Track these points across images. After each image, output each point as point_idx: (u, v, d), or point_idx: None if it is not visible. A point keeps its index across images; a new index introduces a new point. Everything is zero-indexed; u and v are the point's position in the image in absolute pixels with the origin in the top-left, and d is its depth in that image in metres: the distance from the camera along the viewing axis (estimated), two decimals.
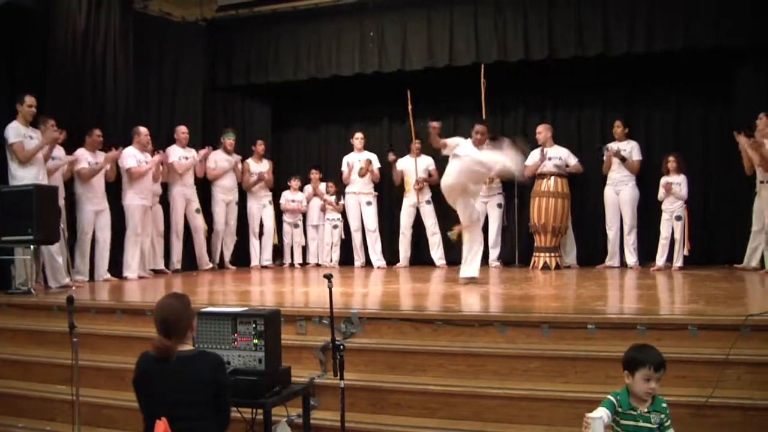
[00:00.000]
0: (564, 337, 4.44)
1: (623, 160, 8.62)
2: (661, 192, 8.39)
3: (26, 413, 5.04)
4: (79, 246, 7.76)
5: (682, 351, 4.12)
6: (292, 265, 10.05)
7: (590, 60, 8.69)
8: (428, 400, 4.29)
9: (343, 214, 9.92)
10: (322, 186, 10.09)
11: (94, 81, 8.24)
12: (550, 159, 8.76)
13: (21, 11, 7.56)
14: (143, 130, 8.43)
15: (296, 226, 10.11)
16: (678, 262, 8.21)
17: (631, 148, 8.71)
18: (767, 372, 3.95)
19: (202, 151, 9.30)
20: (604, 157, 8.79)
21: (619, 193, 8.68)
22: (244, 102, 10.57)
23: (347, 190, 9.79)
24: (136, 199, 8.22)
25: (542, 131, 8.96)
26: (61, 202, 7.24)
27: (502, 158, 6.75)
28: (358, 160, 9.74)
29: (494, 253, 9.15)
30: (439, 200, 9.38)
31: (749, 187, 7.85)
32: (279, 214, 10.09)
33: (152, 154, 8.52)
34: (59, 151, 7.45)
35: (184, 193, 9.17)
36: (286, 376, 3.97)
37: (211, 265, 9.46)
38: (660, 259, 8.32)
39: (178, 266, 9.17)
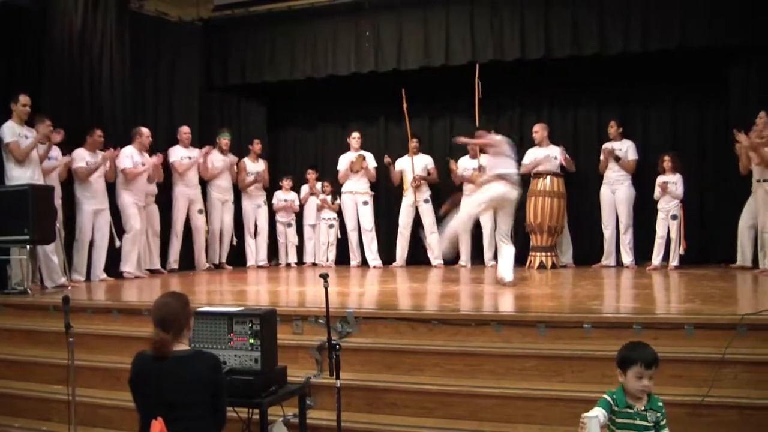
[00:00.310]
0: (560, 337, 4.45)
1: (617, 159, 8.64)
2: (657, 191, 8.40)
3: (22, 413, 5.04)
4: (77, 245, 7.75)
5: (679, 350, 4.13)
6: (288, 264, 10.05)
7: (586, 59, 8.70)
8: (424, 400, 4.29)
9: (340, 213, 9.91)
10: (319, 185, 10.09)
11: (91, 81, 8.22)
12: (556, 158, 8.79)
13: (17, 11, 7.55)
14: (145, 131, 8.42)
15: (289, 225, 10.12)
16: (674, 262, 8.23)
17: (626, 148, 8.72)
18: (763, 371, 3.95)
19: (203, 151, 9.30)
20: (601, 156, 8.81)
21: (615, 192, 8.70)
22: (240, 102, 10.56)
23: (343, 189, 9.78)
24: (130, 200, 8.21)
25: (539, 130, 8.98)
26: (58, 202, 7.23)
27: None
28: (353, 159, 9.71)
29: (489, 253, 9.15)
30: (437, 200, 9.43)
31: (745, 186, 7.87)
32: (272, 214, 10.10)
33: (150, 155, 8.51)
34: (56, 152, 7.44)
35: (187, 194, 9.17)
36: (282, 376, 3.96)
37: (208, 265, 9.46)
38: (656, 259, 8.34)
39: (175, 266, 9.17)
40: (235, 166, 9.77)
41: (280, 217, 10.10)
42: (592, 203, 8.97)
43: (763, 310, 4.28)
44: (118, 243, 8.05)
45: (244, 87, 10.31)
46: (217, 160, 9.51)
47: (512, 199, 6.73)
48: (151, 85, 9.46)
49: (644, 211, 8.67)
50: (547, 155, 8.82)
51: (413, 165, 9.42)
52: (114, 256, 8.13)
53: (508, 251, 6.82)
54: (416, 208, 9.51)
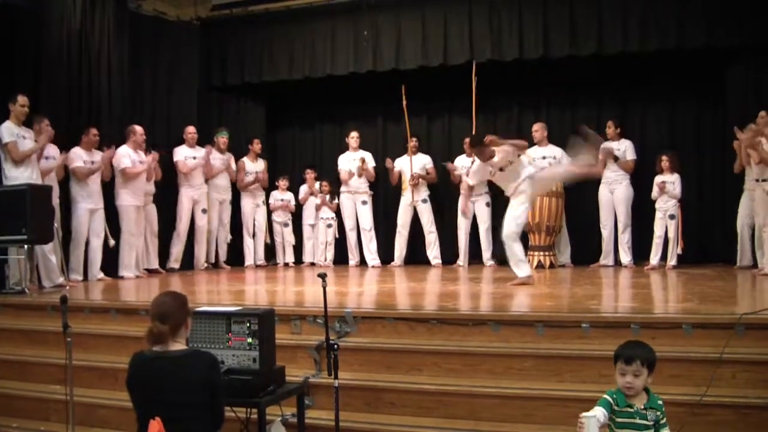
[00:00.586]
0: (558, 336, 4.44)
1: (615, 159, 8.64)
2: (655, 191, 8.41)
3: (20, 413, 5.03)
4: (73, 245, 7.74)
5: (677, 350, 4.13)
6: (286, 264, 10.04)
7: (584, 59, 8.71)
8: (423, 400, 4.28)
9: (338, 213, 9.91)
10: (317, 185, 10.08)
11: (89, 80, 8.22)
12: (544, 158, 8.77)
13: (15, 10, 7.54)
14: (139, 129, 8.40)
15: (286, 225, 10.12)
16: (672, 261, 8.24)
17: (624, 148, 8.72)
18: (761, 370, 3.95)
19: (206, 152, 9.28)
20: (599, 156, 8.80)
21: (614, 192, 8.70)
22: (238, 101, 10.56)
23: (342, 188, 9.77)
24: (129, 200, 8.19)
25: (539, 129, 8.97)
26: (55, 201, 7.22)
27: None
28: (352, 159, 9.71)
29: (487, 253, 9.14)
30: (436, 199, 9.43)
31: (741, 186, 7.88)
32: (269, 213, 10.09)
33: (146, 153, 8.50)
34: (54, 151, 7.43)
35: (191, 194, 9.16)
36: (281, 376, 3.96)
37: (206, 265, 9.45)
38: (654, 258, 8.35)
39: (175, 265, 9.16)
40: (234, 166, 9.75)
41: (276, 217, 10.09)
42: (591, 203, 8.97)
43: (761, 310, 4.28)
44: (112, 242, 8.03)
45: (243, 87, 10.30)
46: (215, 159, 9.50)
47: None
48: (149, 85, 9.44)
49: (642, 211, 8.67)
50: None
51: (411, 164, 9.41)
52: (111, 257, 8.11)
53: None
54: (414, 208, 9.52)
